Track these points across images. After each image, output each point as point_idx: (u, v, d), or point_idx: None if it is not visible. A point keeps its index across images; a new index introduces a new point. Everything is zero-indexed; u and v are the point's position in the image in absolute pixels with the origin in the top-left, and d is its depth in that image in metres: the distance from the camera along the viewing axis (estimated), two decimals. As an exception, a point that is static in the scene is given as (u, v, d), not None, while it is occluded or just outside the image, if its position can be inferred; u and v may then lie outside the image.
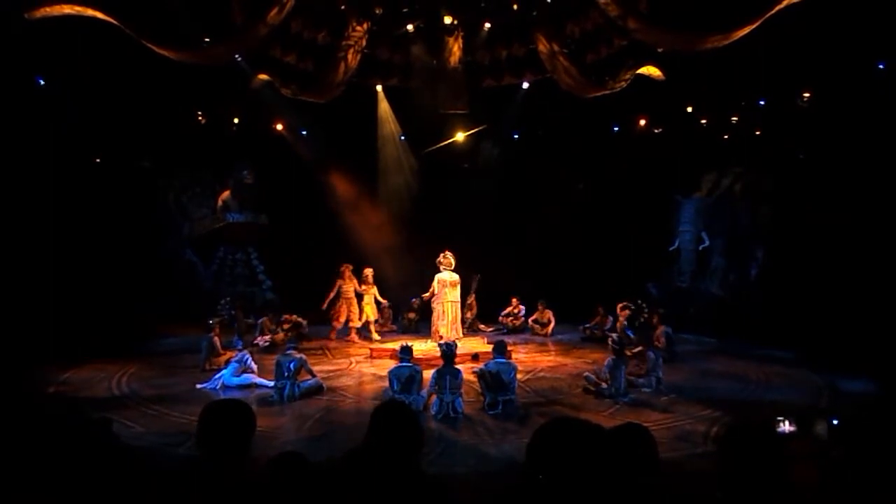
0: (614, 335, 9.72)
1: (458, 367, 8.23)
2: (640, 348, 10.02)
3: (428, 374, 8.35)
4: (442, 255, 11.68)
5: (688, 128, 13.63)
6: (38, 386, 9.00)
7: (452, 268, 11.67)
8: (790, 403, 7.82)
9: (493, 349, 8.63)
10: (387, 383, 8.44)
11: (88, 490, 2.83)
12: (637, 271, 14.70)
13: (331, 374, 10.12)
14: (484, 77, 13.11)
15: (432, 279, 11.71)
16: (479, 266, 13.94)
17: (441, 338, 11.17)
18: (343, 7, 11.40)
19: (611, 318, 12.96)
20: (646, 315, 12.62)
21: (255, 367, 9.49)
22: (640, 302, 12.85)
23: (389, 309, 14.00)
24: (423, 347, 11.28)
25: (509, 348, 11.06)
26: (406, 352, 8.54)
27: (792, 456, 2.40)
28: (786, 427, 4.25)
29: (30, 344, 9.96)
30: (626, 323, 12.51)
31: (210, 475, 2.55)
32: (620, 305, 12.65)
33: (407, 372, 8.12)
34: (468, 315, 13.52)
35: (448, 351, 8.29)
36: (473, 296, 13.95)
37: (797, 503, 2.37)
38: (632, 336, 11.87)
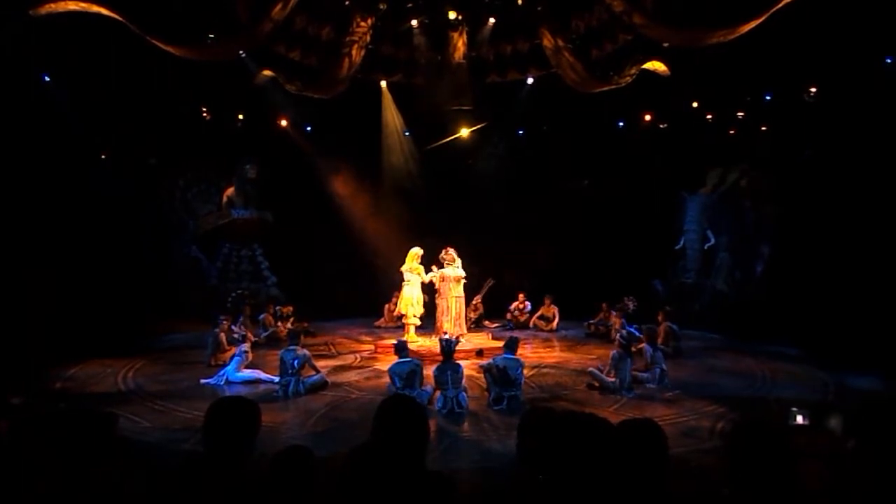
0: (623, 331, 9.72)
1: (458, 362, 8.22)
2: (641, 345, 10.01)
3: (430, 371, 8.35)
4: (444, 251, 11.66)
5: (693, 123, 13.57)
6: (44, 382, 9.04)
7: (455, 264, 11.65)
8: (797, 400, 7.78)
9: (505, 345, 8.63)
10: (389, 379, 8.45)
11: (93, 486, 2.83)
12: (642, 268, 14.67)
13: (335, 369, 10.15)
14: (488, 73, 13.08)
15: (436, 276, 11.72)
16: (483, 262, 13.92)
17: (445, 333, 11.18)
18: (347, 3, 11.38)
19: (613, 314, 12.95)
20: (635, 306, 12.63)
21: (250, 356, 9.56)
22: (626, 298, 12.83)
23: (393, 304, 13.99)
24: (426, 343, 11.32)
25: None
26: (402, 348, 8.57)
27: (802, 452, 2.39)
28: (799, 420, 4.23)
29: (36, 340, 9.99)
30: (623, 321, 12.50)
31: (215, 470, 2.56)
32: (605, 306, 12.93)
33: (407, 367, 8.13)
34: (472, 315, 13.51)
35: (447, 346, 8.29)
36: (480, 298, 13.93)
37: (805, 499, 2.35)
38: (636, 333, 11.85)
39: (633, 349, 10.55)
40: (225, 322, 10.72)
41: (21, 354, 9.44)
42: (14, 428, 3.34)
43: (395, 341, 9.35)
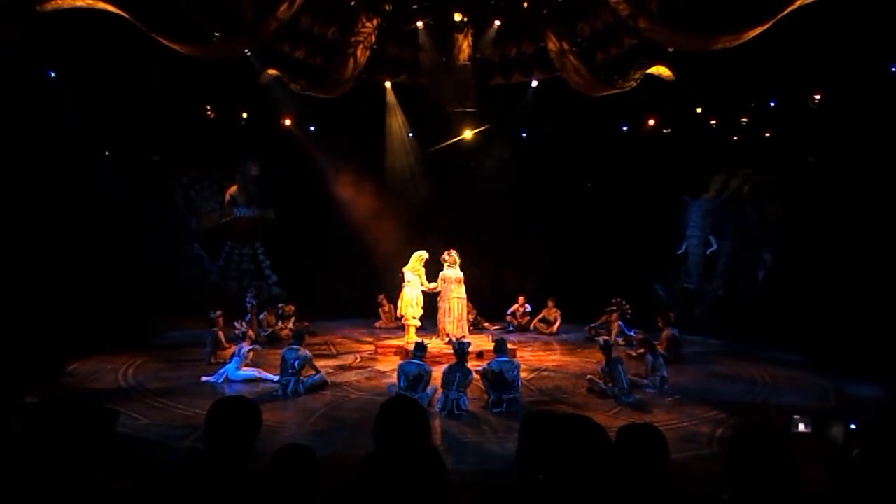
0: (601, 339, 9.75)
1: (469, 368, 8.19)
2: (641, 350, 10.00)
3: (433, 372, 8.34)
4: (446, 252, 11.65)
5: (697, 128, 13.57)
6: (49, 379, 9.04)
7: (457, 265, 11.64)
8: (797, 406, 7.77)
9: (494, 348, 8.61)
10: (391, 379, 8.44)
11: (93, 484, 2.84)
12: (644, 272, 14.66)
13: (335, 369, 10.15)
14: (493, 75, 13.07)
15: (437, 277, 11.71)
16: (486, 265, 13.90)
17: (448, 335, 11.17)
18: (353, 3, 11.39)
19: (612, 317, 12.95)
20: (629, 311, 12.56)
21: (249, 356, 9.55)
22: (619, 300, 12.78)
23: (391, 304, 13.98)
24: (427, 344, 11.29)
25: (515, 347, 11.08)
26: (420, 349, 8.51)
27: (803, 458, 2.38)
28: (801, 427, 4.23)
29: (37, 338, 9.98)
30: (621, 324, 12.49)
31: (215, 469, 2.56)
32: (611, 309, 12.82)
33: (415, 369, 8.11)
34: (469, 317, 13.47)
35: (460, 349, 8.29)
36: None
37: (806, 502, 2.35)
38: (632, 335, 11.84)
39: (634, 353, 10.59)
40: (219, 318, 10.70)
41: (23, 353, 9.43)
42: (28, 427, 3.36)
43: (398, 341, 9.34)
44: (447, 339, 11.09)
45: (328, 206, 15.67)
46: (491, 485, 2.62)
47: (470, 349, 8.85)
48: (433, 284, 11.64)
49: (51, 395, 7.87)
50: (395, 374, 8.55)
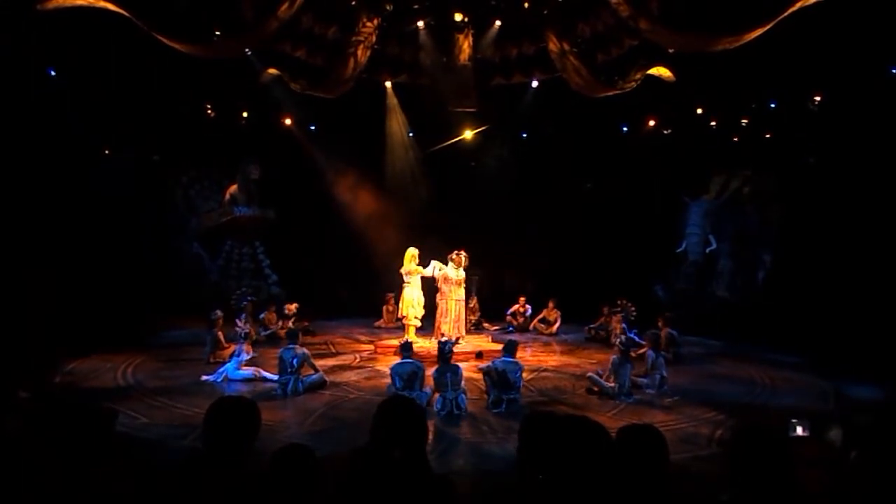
0: (623, 336, 9.76)
1: (457, 363, 8.21)
2: (642, 351, 10.01)
3: (430, 372, 8.35)
4: (456, 252, 11.61)
5: (697, 129, 13.58)
6: (42, 376, 9.04)
7: (462, 267, 11.62)
8: (796, 408, 7.78)
9: (504, 348, 8.62)
10: (390, 379, 8.44)
11: (93, 484, 2.84)
12: (644, 272, 14.66)
13: (334, 368, 10.15)
14: (493, 75, 13.07)
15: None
16: (486, 265, 13.90)
17: (443, 335, 11.17)
18: (354, 3, 11.39)
19: (613, 318, 12.93)
20: (634, 312, 12.58)
21: (246, 357, 9.56)
22: (623, 301, 12.77)
23: (395, 304, 13.98)
24: (426, 345, 11.30)
25: (515, 347, 11.09)
26: (406, 348, 8.55)
27: (801, 460, 2.39)
28: (799, 431, 4.24)
29: (36, 337, 9.99)
30: (624, 326, 12.48)
31: (215, 469, 2.56)
32: (605, 310, 12.83)
33: (409, 368, 8.12)
34: (471, 318, 13.48)
35: (442, 350, 8.30)
36: (475, 298, 13.90)
37: (805, 503, 2.36)
38: (636, 339, 11.84)
39: (634, 354, 10.59)
40: (219, 319, 10.70)
41: (23, 351, 9.43)
42: (27, 423, 3.36)
43: (399, 341, 9.34)
44: (441, 340, 11.09)
45: (328, 205, 15.68)
46: (491, 485, 2.62)
47: (455, 348, 8.83)
48: (432, 265, 11.50)
49: (43, 391, 7.91)
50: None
